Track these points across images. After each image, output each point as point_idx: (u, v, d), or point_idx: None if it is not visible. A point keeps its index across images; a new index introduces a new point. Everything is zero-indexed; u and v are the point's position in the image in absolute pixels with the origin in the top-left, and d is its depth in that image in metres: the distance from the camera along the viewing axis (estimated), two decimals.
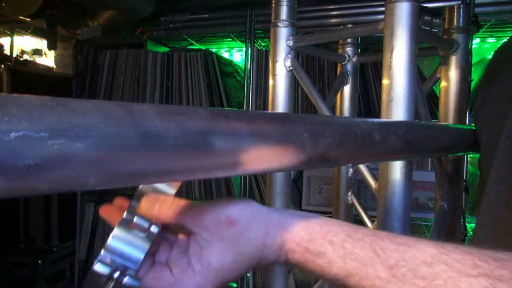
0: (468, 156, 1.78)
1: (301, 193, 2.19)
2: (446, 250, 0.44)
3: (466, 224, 1.37)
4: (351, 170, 1.36)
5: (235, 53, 2.80)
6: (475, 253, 0.43)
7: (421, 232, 2.09)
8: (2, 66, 2.29)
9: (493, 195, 0.78)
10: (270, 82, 1.21)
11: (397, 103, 0.90)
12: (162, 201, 0.49)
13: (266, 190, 1.24)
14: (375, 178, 1.05)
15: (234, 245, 0.48)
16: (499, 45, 1.04)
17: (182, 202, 0.49)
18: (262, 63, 2.30)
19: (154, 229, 0.48)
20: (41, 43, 2.95)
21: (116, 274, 0.45)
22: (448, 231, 1.20)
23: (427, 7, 1.19)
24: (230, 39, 2.48)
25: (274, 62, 1.19)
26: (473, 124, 1.05)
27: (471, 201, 1.96)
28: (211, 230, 0.48)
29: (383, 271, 0.45)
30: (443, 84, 1.21)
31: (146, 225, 0.48)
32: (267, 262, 0.51)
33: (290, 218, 0.51)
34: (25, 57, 2.87)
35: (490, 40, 2.26)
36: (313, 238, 0.48)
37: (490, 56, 1.98)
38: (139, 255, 0.47)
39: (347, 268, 0.47)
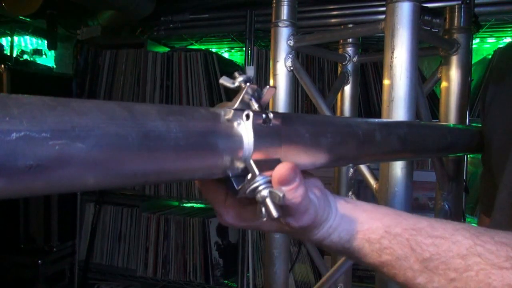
0: (468, 156, 1.78)
1: None
2: (482, 241, 0.46)
3: None
4: (351, 170, 1.36)
5: (235, 53, 2.80)
6: (510, 244, 0.45)
7: None
8: (2, 66, 2.29)
9: (507, 193, 0.77)
10: (271, 82, 1.21)
11: (398, 103, 0.90)
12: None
13: None
14: (376, 178, 1.05)
15: (292, 232, 0.52)
16: (510, 41, 1.03)
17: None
18: (262, 63, 2.30)
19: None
20: (41, 43, 2.95)
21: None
22: None
23: (427, 7, 1.19)
24: (230, 39, 2.48)
25: (275, 62, 1.19)
26: (474, 124, 1.04)
27: (471, 201, 1.96)
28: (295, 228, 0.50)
29: (416, 264, 0.49)
30: (443, 84, 1.21)
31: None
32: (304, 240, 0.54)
33: (341, 219, 0.53)
34: (25, 57, 2.86)
35: (490, 40, 2.26)
36: (353, 238, 0.52)
37: (495, 53, 1.98)
38: None
39: (381, 260, 0.51)
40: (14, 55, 2.76)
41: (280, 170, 0.45)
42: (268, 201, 0.44)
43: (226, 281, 2.37)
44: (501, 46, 2.09)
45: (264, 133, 0.45)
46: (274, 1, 1.18)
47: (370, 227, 0.52)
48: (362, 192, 2.00)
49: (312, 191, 0.50)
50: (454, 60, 1.18)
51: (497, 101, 0.91)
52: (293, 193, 0.46)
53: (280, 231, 0.54)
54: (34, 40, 2.96)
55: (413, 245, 0.49)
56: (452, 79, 1.19)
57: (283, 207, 0.46)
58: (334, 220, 0.53)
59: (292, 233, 0.54)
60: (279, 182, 0.45)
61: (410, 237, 0.50)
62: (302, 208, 0.48)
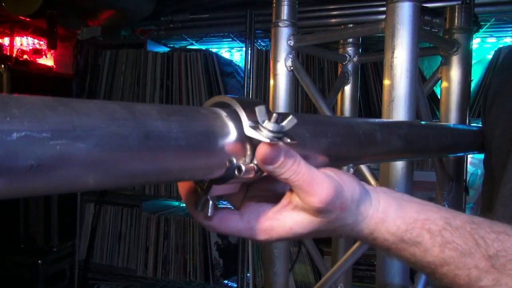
0: (468, 156, 1.78)
1: None
2: None
3: None
4: (351, 170, 1.36)
5: (235, 53, 2.80)
6: None
7: None
8: (2, 66, 2.29)
9: (510, 187, 0.76)
10: (271, 82, 1.21)
11: (398, 103, 0.90)
12: (288, 160, 0.43)
13: None
14: (376, 178, 1.05)
15: (328, 224, 0.46)
16: None
17: (305, 169, 0.43)
18: (262, 63, 2.30)
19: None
20: (41, 43, 2.95)
21: None
22: None
23: (427, 7, 1.19)
24: (230, 39, 2.48)
25: (275, 62, 1.19)
26: (474, 124, 1.04)
27: (471, 201, 1.96)
28: (318, 211, 0.44)
29: (482, 261, 0.44)
30: (444, 84, 1.21)
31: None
32: (347, 237, 0.49)
33: (389, 205, 0.48)
34: (25, 57, 2.86)
35: (490, 40, 2.26)
36: (411, 227, 0.46)
37: (495, 53, 1.97)
38: None
39: (443, 257, 0.45)
40: (14, 55, 2.76)
41: (260, 150, 0.42)
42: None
43: (226, 281, 2.37)
44: (501, 46, 2.09)
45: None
46: (274, 1, 1.18)
47: (428, 217, 0.47)
48: None
49: (326, 171, 0.46)
50: (454, 60, 1.18)
51: (499, 100, 0.90)
52: (281, 169, 0.42)
53: (317, 230, 0.46)
54: (34, 40, 2.96)
55: (477, 239, 0.44)
56: (452, 79, 1.19)
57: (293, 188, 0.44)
58: (380, 204, 0.47)
59: (335, 230, 0.47)
60: (263, 162, 0.42)
61: (472, 230, 0.45)
62: (308, 181, 0.43)
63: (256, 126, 0.42)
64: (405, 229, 0.46)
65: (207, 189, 0.45)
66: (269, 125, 0.41)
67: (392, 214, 0.47)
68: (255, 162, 0.43)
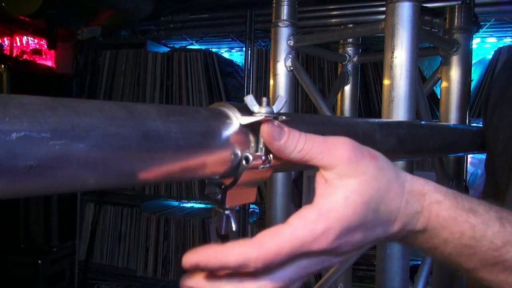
0: (468, 156, 1.78)
1: (301, 193, 2.19)
2: None
3: None
4: None
5: (235, 53, 2.80)
6: None
7: None
8: (2, 66, 2.29)
9: None
10: (271, 82, 1.21)
11: (398, 103, 0.90)
12: (289, 133, 0.41)
13: (266, 190, 1.24)
14: None
15: (375, 180, 0.41)
16: None
17: (307, 136, 0.42)
18: (262, 63, 2.30)
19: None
20: (41, 43, 2.95)
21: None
22: None
23: (427, 7, 1.19)
24: (230, 39, 2.48)
25: (275, 62, 1.19)
26: (474, 124, 1.04)
27: None
28: (351, 161, 0.40)
29: None
30: (444, 84, 1.21)
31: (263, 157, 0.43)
32: (407, 214, 0.42)
33: (421, 181, 0.44)
34: (25, 57, 2.86)
35: (490, 40, 2.26)
36: (458, 195, 0.43)
37: (495, 53, 1.97)
38: None
39: (506, 233, 0.41)
40: (14, 55, 2.76)
41: (264, 128, 0.41)
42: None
43: None
44: (501, 46, 2.09)
45: None
46: (274, 1, 1.18)
47: (467, 196, 0.43)
48: None
49: None
50: (454, 60, 1.18)
51: (503, 101, 0.89)
52: (292, 141, 0.41)
53: (371, 194, 0.41)
54: (34, 40, 2.96)
55: None
56: (452, 79, 1.19)
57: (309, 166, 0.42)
58: (411, 175, 0.43)
59: (387, 190, 0.42)
60: (271, 139, 0.41)
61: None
62: (322, 141, 0.42)
63: (249, 114, 0.42)
64: (453, 196, 0.43)
65: (222, 199, 0.43)
66: (261, 109, 0.41)
67: (431, 183, 0.44)
68: (261, 153, 0.43)
